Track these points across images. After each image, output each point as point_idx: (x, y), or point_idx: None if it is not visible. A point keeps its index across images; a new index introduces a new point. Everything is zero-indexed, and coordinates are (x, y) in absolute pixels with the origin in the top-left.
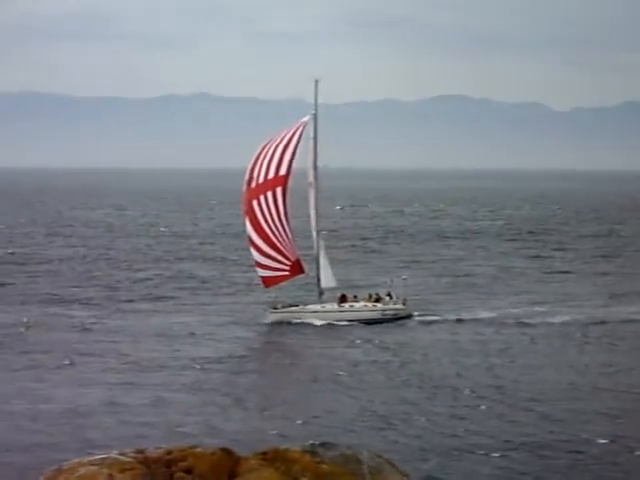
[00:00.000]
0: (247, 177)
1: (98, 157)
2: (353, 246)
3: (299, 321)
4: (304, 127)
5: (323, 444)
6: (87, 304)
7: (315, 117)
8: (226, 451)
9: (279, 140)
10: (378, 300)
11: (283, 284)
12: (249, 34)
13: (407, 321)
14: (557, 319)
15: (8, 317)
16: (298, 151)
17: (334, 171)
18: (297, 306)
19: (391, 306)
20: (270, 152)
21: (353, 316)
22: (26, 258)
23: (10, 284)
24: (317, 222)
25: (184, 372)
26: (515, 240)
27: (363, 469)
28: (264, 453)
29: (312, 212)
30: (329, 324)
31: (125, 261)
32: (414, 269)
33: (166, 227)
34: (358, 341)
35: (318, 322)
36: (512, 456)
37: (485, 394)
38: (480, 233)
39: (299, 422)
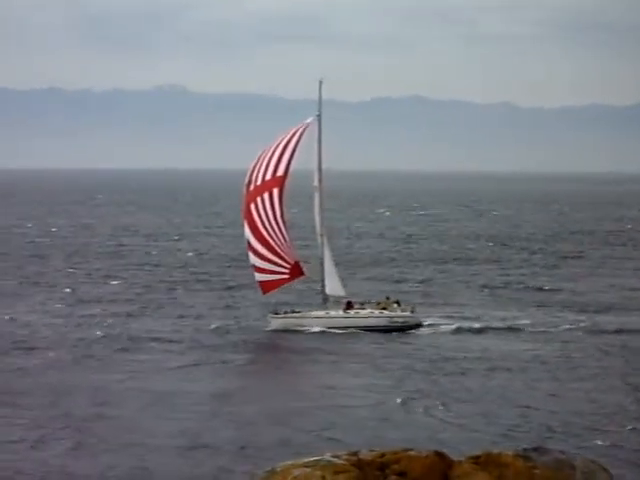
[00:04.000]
0: (246, 180)
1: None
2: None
3: (302, 328)
4: (306, 128)
5: (536, 449)
6: None
7: (319, 119)
8: (439, 454)
9: (278, 142)
10: (385, 308)
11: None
12: (457, 37)
13: (424, 329)
14: None
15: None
16: (296, 153)
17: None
18: (299, 312)
19: (399, 313)
20: (269, 154)
21: (359, 323)
22: None
23: None
24: (321, 226)
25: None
26: None
27: (576, 475)
28: (476, 457)
29: (317, 217)
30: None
31: None
32: None
33: None
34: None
35: (322, 329)
36: None
37: None
38: None
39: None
